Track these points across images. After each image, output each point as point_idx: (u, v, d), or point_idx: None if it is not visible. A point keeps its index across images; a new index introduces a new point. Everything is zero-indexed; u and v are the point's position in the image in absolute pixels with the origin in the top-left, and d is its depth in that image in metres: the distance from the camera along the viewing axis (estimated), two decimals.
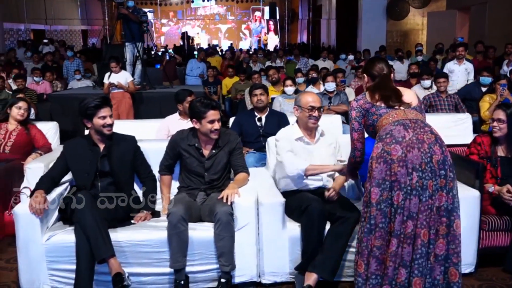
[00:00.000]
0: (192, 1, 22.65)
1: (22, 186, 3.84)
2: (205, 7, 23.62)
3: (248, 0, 22.57)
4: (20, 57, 11.88)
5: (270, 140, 3.49)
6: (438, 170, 2.29)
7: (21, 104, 4.17)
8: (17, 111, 4.14)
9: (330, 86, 5.70)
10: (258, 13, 23.77)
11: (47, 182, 3.00)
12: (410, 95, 2.52)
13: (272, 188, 3.11)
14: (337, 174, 3.17)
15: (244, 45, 22.94)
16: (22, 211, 2.76)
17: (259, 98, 4.33)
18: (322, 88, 6.01)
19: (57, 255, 2.74)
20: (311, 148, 3.19)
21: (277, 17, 22.70)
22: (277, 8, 22.28)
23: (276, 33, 23.80)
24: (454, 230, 2.33)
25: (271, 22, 23.68)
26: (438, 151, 2.31)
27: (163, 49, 9.81)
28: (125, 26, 7.70)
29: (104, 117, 2.99)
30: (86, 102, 3.05)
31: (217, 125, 2.98)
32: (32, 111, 6.06)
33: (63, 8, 18.90)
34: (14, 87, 7.07)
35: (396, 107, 2.43)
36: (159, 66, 10.89)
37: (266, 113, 4.37)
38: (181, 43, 18.32)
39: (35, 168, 3.83)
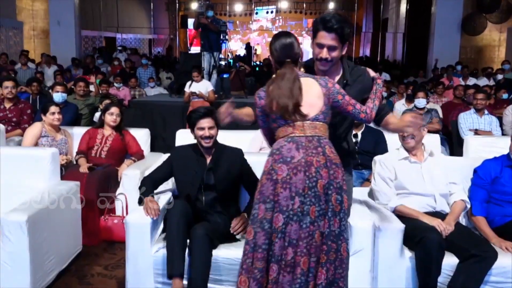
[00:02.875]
0: (256, 13, 22.78)
1: (117, 192, 3.87)
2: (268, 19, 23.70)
3: (312, 13, 22.40)
4: (96, 63, 12.29)
5: (377, 158, 3.29)
6: (323, 195, 2.10)
7: (113, 109, 4.20)
8: (109, 117, 4.17)
9: (421, 102, 5.41)
10: None
11: (151, 187, 2.94)
12: (312, 100, 2.17)
13: (385, 211, 2.90)
14: (453, 199, 2.94)
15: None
16: (133, 220, 2.70)
17: None
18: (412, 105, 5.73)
19: (165, 268, 2.65)
20: (419, 167, 3.02)
21: None
22: None
23: None
24: (341, 254, 2.13)
25: None
26: (325, 175, 2.12)
27: (232, 59, 9.83)
28: (204, 35, 7.76)
29: (202, 129, 2.92)
30: (193, 110, 3.06)
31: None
32: None
33: (134, 17, 19.54)
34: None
35: (293, 118, 2.15)
36: (228, 76, 10.92)
37: (362, 129, 4.18)
38: (245, 54, 18.41)
39: (131, 175, 3.85)
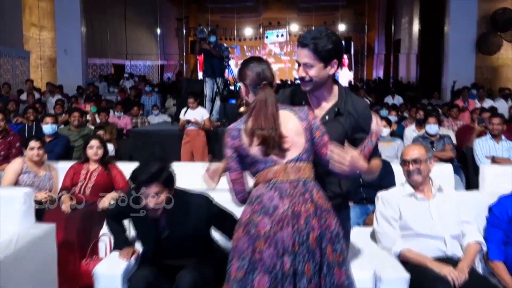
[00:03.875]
0: (267, 37, 22.81)
1: (101, 232, 3.62)
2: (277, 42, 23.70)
3: None
4: (101, 91, 12.27)
5: (380, 195, 2.99)
6: (317, 249, 1.82)
7: (93, 142, 3.96)
8: (90, 151, 3.94)
9: (432, 128, 5.11)
10: None
11: (122, 231, 2.75)
12: (291, 136, 1.89)
13: (388, 257, 2.60)
14: (466, 240, 2.62)
15: None
16: (102, 271, 2.44)
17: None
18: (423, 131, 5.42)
19: None
20: (427, 204, 2.72)
21: (352, 52, 22.28)
22: (352, 43, 21.88)
23: (350, 68, 23.33)
24: None
25: (345, 57, 23.29)
26: (317, 225, 1.83)
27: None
28: (206, 61, 7.63)
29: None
30: (135, 170, 2.46)
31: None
32: (112, 147, 5.98)
33: (143, 44, 19.70)
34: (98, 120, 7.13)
35: (275, 158, 1.88)
36: (235, 102, 10.77)
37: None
38: None
39: None
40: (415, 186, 2.76)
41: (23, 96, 10.04)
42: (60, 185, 4.04)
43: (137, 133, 7.27)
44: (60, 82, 12.80)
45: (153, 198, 2.36)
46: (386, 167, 3.83)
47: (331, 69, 2.04)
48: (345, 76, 23.02)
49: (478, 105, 8.42)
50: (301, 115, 1.95)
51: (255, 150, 1.90)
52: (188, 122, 6.48)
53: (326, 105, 2.13)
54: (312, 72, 2.03)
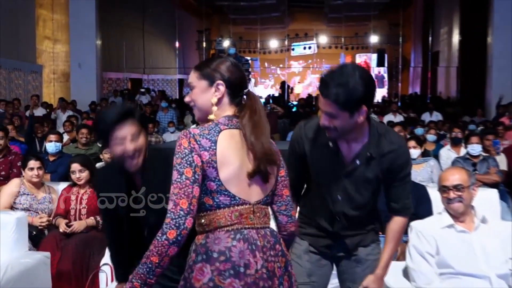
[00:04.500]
0: (293, 49, 22.80)
1: (102, 261, 3.52)
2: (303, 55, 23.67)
3: (354, 47, 22.22)
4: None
5: (414, 225, 2.79)
6: None
7: (73, 167, 3.81)
8: (72, 176, 3.82)
9: (475, 149, 4.87)
10: (363, 57, 23.27)
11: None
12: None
13: None
14: None
15: None
16: None
17: None
18: (463, 151, 5.19)
19: None
20: (469, 238, 2.52)
21: (385, 65, 22.05)
22: (385, 56, 21.67)
23: (381, 84, 23.10)
24: None
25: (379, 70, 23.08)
26: (287, 285, 1.62)
27: (265, 100, 9.61)
28: None
29: (121, 141, 1.94)
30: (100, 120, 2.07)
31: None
32: None
33: (161, 58, 19.93)
34: None
35: (243, 194, 1.58)
36: None
37: None
38: (280, 93, 18.26)
39: None
40: (455, 216, 2.56)
41: (28, 113, 10.16)
42: None
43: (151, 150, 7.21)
44: (74, 97, 12.99)
45: (132, 141, 1.92)
46: (422, 193, 3.64)
47: (359, 117, 1.85)
48: (378, 91, 22.77)
49: None
50: (274, 144, 1.71)
51: (227, 174, 1.56)
52: None
53: (356, 147, 1.99)
54: (338, 123, 1.86)
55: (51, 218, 3.79)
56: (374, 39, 21.32)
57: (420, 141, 5.05)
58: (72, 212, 3.75)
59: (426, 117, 10.96)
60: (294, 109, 13.02)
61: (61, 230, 3.57)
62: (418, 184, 3.88)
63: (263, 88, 23.06)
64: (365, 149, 1.96)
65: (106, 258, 3.55)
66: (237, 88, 1.66)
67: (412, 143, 4.85)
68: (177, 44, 19.77)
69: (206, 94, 1.65)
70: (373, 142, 1.96)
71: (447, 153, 5.45)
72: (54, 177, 4.72)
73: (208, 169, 1.54)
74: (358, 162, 1.97)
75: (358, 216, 2.09)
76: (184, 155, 1.52)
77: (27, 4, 13.09)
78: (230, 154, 1.57)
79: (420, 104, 14.61)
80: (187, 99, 1.75)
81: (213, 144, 1.55)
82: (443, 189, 2.58)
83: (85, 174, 3.80)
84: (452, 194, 2.52)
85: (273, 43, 22.73)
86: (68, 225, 3.60)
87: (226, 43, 9.24)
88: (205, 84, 1.66)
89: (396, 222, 2.10)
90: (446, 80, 17.52)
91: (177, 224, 1.48)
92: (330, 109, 1.82)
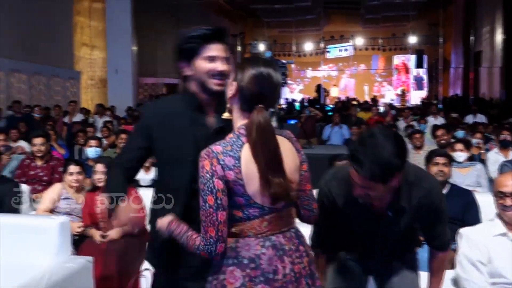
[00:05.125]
0: (328, 51, 22.67)
1: (143, 266, 3.56)
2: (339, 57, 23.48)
3: (391, 49, 21.90)
4: None
5: (464, 232, 2.71)
6: None
7: (97, 167, 3.88)
8: (94, 176, 3.86)
9: None
10: (401, 58, 22.91)
11: (122, 182, 2.09)
12: (292, 169, 1.63)
13: None
14: None
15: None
16: None
17: (441, 169, 3.59)
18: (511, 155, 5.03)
19: None
20: None
21: (424, 67, 21.64)
22: (424, 57, 21.27)
23: (419, 87, 22.68)
24: None
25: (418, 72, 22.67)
26: (310, 282, 1.65)
27: (300, 103, 9.54)
28: None
29: (212, 59, 1.88)
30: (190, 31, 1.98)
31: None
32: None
33: None
34: None
35: (270, 205, 1.59)
36: (296, 122, 10.63)
37: (447, 190, 3.62)
38: (315, 96, 18.15)
39: None
40: (509, 224, 2.46)
41: (66, 119, 10.40)
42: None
43: None
44: (111, 103, 13.25)
45: (222, 62, 1.87)
46: (469, 199, 3.53)
47: (394, 182, 1.82)
48: (416, 94, 22.35)
49: None
50: (296, 145, 1.71)
51: (254, 188, 1.56)
52: None
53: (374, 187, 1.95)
54: (372, 193, 1.83)
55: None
56: (412, 39, 20.96)
57: (468, 145, 4.92)
58: (101, 224, 3.68)
59: (469, 119, 10.68)
60: (329, 114, 12.96)
61: (97, 241, 3.55)
62: (465, 189, 3.78)
63: (297, 91, 22.99)
64: (397, 200, 1.93)
65: (146, 263, 3.60)
66: (246, 101, 1.60)
67: (459, 146, 4.73)
68: None
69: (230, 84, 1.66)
70: (404, 193, 1.93)
71: (495, 157, 5.27)
72: None
73: (235, 187, 1.55)
74: (390, 213, 1.98)
75: (394, 250, 2.16)
76: (206, 180, 1.55)
77: (65, 12, 13.47)
78: (255, 167, 1.55)
79: (462, 106, 14.26)
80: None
81: (237, 162, 1.55)
82: (499, 195, 2.48)
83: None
84: (509, 201, 2.42)
85: (308, 46, 22.64)
86: (102, 235, 3.58)
87: (261, 47, 9.24)
88: (232, 76, 1.65)
89: (438, 258, 2.17)
90: (489, 81, 17.06)
91: (208, 251, 1.56)
92: (365, 184, 1.79)
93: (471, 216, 3.37)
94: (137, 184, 4.24)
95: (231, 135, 1.62)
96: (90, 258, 3.11)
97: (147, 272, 3.50)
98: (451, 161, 3.81)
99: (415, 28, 21.00)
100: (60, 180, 4.88)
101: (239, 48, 20.53)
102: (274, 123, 5.69)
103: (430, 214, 2.02)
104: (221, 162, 1.54)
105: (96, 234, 3.59)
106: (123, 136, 5.91)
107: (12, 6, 11.04)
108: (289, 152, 1.65)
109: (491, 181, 4.61)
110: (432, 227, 2.09)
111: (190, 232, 1.64)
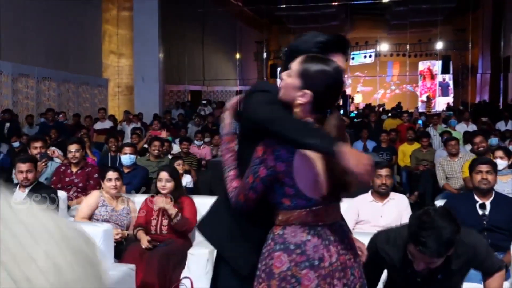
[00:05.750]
0: (353, 58, 22.51)
1: (182, 275, 3.53)
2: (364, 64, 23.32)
3: (417, 55, 21.64)
4: (177, 118, 12.61)
5: None
6: None
7: (162, 175, 3.84)
8: (158, 183, 3.83)
9: None
10: (426, 64, 22.63)
11: None
12: None
13: None
14: None
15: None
16: None
17: (485, 177, 3.49)
18: None
19: None
20: None
21: (451, 72, 21.32)
22: (450, 62, 20.97)
23: (444, 93, 22.34)
24: None
25: (444, 78, 22.36)
26: (357, 275, 1.70)
27: None
28: None
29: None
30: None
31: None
32: (190, 178, 5.99)
33: (220, 69, 20.22)
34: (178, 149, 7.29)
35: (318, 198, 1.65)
36: None
37: (491, 198, 3.50)
38: (341, 103, 18.02)
39: (198, 255, 3.49)
40: None
41: (96, 126, 10.52)
42: None
43: (217, 164, 7.26)
44: (138, 110, 13.36)
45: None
46: None
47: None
48: (442, 100, 22.02)
49: None
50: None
51: (304, 182, 1.63)
52: None
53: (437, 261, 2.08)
54: (433, 265, 2.04)
55: (125, 232, 3.83)
56: (439, 45, 20.68)
57: (509, 152, 4.79)
58: (154, 223, 3.76)
59: (501, 126, 10.45)
60: (355, 120, 12.81)
61: (143, 246, 3.54)
62: (508, 196, 3.68)
63: None
64: (446, 263, 2.07)
65: (186, 271, 3.57)
66: (319, 104, 1.62)
67: (499, 153, 4.61)
68: (237, 56, 19.98)
69: (293, 91, 1.61)
70: (453, 256, 2.07)
71: None
72: (129, 188, 4.81)
73: (285, 179, 1.60)
74: (440, 276, 2.12)
75: None
76: (254, 164, 1.63)
77: (94, 21, 13.66)
78: (311, 163, 1.60)
79: (491, 112, 13.97)
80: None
81: (290, 155, 1.58)
82: None
83: (170, 185, 3.80)
84: None
85: None
86: (149, 241, 3.60)
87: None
88: (298, 83, 1.61)
89: (494, 279, 2.23)
90: None
91: (235, 203, 1.71)
92: (429, 260, 1.99)
93: None
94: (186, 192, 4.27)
95: None
96: (132, 266, 3.10)
97: (186, 280, 3.48)
98: (495, 168, 3.70)
99: (441, 34, 20.72)
100: (95, 186, 4.91)
101: (265, 55, 20.57)
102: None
103: (479, 265, 2.21)
104: (276, 152, 1.60)
105: (144, 239, 3.60)
106: (156, 143, 5.94)
107: (44, 16, 11.24)
108: None
109: None
110: (480, 267, 2.24)
111: (232, 171, 1.75)
